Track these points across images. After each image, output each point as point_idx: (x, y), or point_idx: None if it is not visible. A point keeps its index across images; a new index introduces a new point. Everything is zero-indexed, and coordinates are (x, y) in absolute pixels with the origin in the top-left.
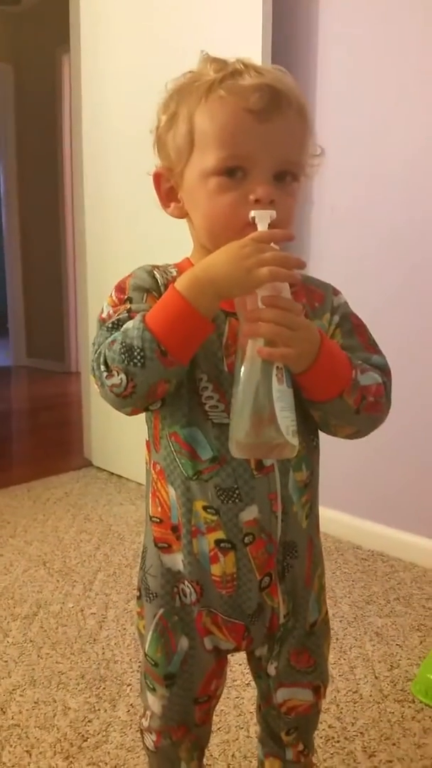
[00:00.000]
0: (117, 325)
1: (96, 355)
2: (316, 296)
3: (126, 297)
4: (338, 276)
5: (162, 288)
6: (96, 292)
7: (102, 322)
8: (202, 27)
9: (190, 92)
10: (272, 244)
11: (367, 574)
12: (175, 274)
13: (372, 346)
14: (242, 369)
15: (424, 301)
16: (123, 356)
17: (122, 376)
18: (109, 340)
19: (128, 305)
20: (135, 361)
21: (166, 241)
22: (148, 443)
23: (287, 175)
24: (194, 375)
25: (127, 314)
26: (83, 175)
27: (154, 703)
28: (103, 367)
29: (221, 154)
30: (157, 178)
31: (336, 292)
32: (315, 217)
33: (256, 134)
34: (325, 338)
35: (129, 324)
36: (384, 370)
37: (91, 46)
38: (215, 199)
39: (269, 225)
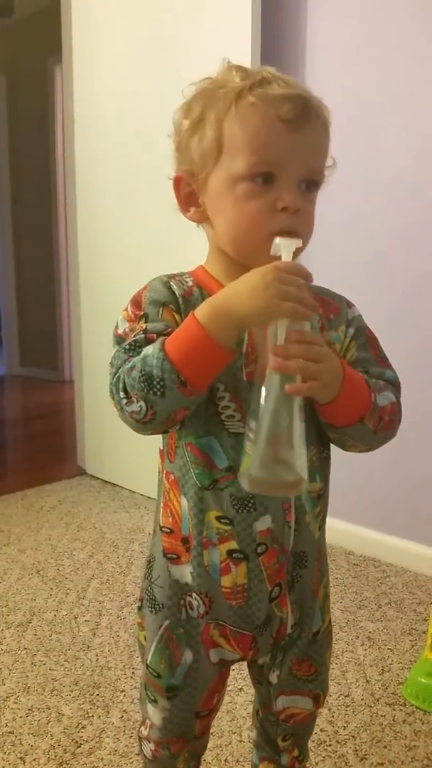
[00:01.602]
0: (134, 347)
1: (115, 379)
2: (332, 308)
3: (142, 313)
4: (330, 279)
5: (180, 299)
6: (89, 300)
7: (118, 339)
8: (192, 38)
9: (217, 98)
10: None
11: (359, 579)
12: (190, 283)
13: (384, 360)
14: (262, 402)
15: (406, 308)
16: (142, 384)
17: (141, 403)
18: (128, 366)
19: (144, 324)
20: (155, 390)
21: (158, 250)
22: (161, 452)
23: (311, 184)
24: (211, 385)
25: (143, 335)
26: (76, 185)
27: (155, 714)
28: (122, 393)
29: (252, 160)
30: (177, 182)
31: (350, 305)
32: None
33: (287, 142)
34: (345, 365)
35: (149, 350)
36: (396, 385)
37: (83, 56)
38: (243, 204)
39: (293, 254)
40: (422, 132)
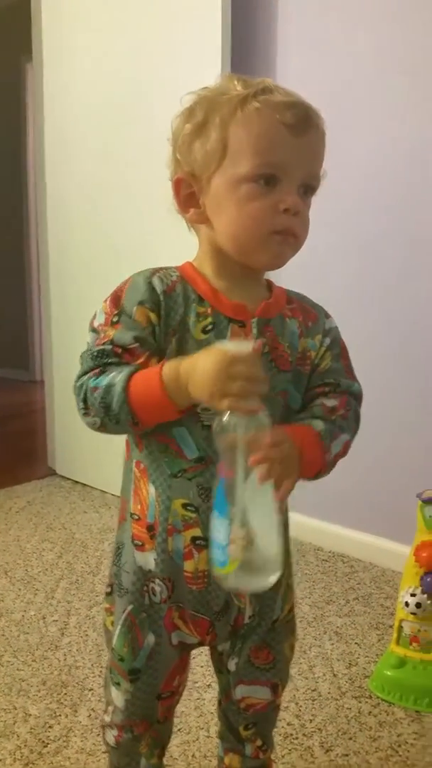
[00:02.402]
0: (101, 355)
1: (79, 385)
2: (311, 316)
3: (116, 313)
4: (296, 283)
5: (161, 295)
6: (59, 300)
7: (92, 330)
8: (163, 38)
9: (221, 103)
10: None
11: (328, 575)
12: (174, 278)
13: (352, 372)
14: (238, 506)
15: (377, 308)
16: (101, 409)
17: (97, 419)
18: (92, 385)
19: (112, 333)
20: (110, 417)
21: (128, 250)
22: (128, 442)
23: (309, 189)
24: None
25: (110, 346)
26: (46, 184)
27: (118, 697)
28: (82, 403)
29: (256, 161)
30: (178, 184)
31: (328, 315)
32: None
33: (290, 146)
34: (297, 440)
35: (115, 380)
36: (358, 397)
37: (54, 54)
38: (245, 205)
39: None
40: (392, 134)
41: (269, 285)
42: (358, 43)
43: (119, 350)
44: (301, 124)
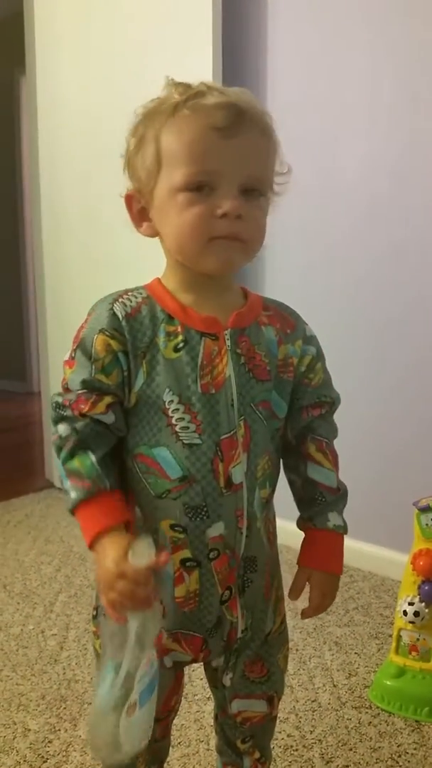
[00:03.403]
0: (58, 407)
1: (55, 438)
2: (288, 323)
3: (75, 347)
4: (288, 287)
5: (123, 321)
6: (55, 311)
7: (63, 385)
8: (155, 52)
9: (156, 114)
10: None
11: None
12: (140, 299)
13: (330, 378)
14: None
15: (369, 315)
16: (61, 481)
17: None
18: (61, 457)
19: (68, 374)
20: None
21: (124, 257)
22: None
23: (254, 191)
24: (163, 398)
25: (62, 398)
26: (41, 197)
27: None
28: (56, 453)
29: (189, 170)
30: (129, 200)
31: (305, 323)
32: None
33: (222, 150)
34: (332, 562)
35: (68, 486)
36: (337, 405)
37: (47, 68)
38: (183, 213)
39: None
40: (377, 143)
41: (245, 293)
42: (346, 52)
43: (68, 401)
44: (232, 125)
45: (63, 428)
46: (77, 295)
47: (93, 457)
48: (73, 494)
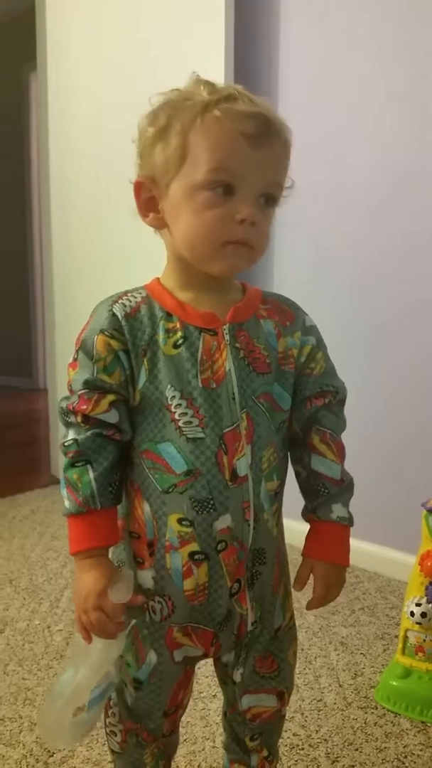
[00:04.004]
0: (64, 413)
1: (63, 440)
2: (288, 315)
3: (77, 348)
4: (296, 289)
5: (122, 320)
6: (62, 308)
7: (68, 387)
8: (166, 50)
9: (183, 109)
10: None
11: None
12: (139, 299)
13: (334, 367)
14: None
15: (370, 315)
16: (61, 481)
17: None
18: (65, 462)
19: (72, 375)
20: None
21: (132, 254)
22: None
23: (269, 199)
24: (165, 395)
25: (66, 403)
26: (50, 193)
27: (126, 696)
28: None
29: (213, 168)
30: (138, 187)
31: (305, 313)
32: (278, 234)
33: (248, 157)
34: (339, 554)
35: (65, 495)
36: (344, 397)
37: (58, 65)
38: (201, 213)
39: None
40: (384, 144)
41: (244, 287)
42: (355, 56)
43: (72, 404)
44: (261, 135)
45: (68, 436)
46: (84, 293)
47: (91, 473)
48: (66, 503)
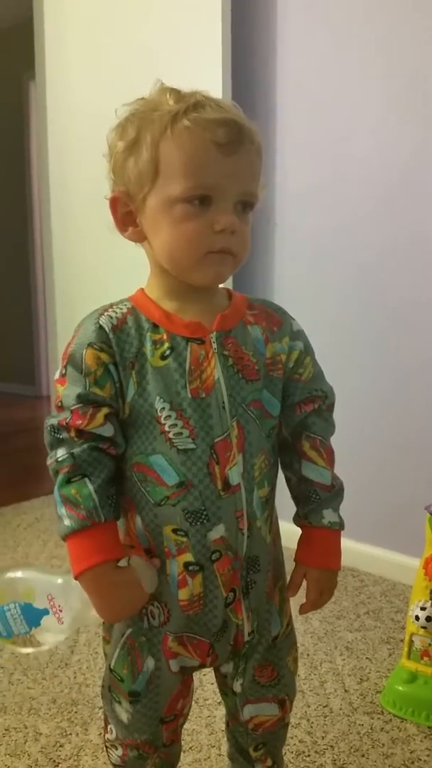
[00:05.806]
0: (53, 431)
1: (49, 463)
2: (275, 320)
3: (65, 363)
4: (297, 290)
5: (109, 333)
6: (65, 315)
7: (56, 404)
8: (164, 54)
9: (152, 120)
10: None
11: (338, 590)
12: (125, 311)
13: (322, 371)
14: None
15: (378, 316)
16: (56, 500)
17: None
18: (58, 480)
19: (61, 391)
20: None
21: (133, 261)
22: None
23: (246, 206)
24: (155, 407)
25: (56, 420)
26: (50, 201)
27: (121, 712)
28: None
29: (189, 183)
30: (114, 203)
31: (292, 318)
32: (279, 236)
33: (222, 166)
34: (328, 558)
35: (62, 513)
36: (333, 402)
37: (57, 73)
38: (179, 226)
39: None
40: (388, 140)
41: (229, 294)
42: (354, 53)
43: (64, 420)
44: (232, 143)
45: (60, 452)
46: (86, 299)
47: (91, 486)
48: (66, 522)
